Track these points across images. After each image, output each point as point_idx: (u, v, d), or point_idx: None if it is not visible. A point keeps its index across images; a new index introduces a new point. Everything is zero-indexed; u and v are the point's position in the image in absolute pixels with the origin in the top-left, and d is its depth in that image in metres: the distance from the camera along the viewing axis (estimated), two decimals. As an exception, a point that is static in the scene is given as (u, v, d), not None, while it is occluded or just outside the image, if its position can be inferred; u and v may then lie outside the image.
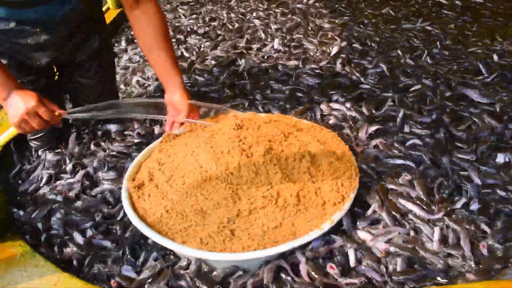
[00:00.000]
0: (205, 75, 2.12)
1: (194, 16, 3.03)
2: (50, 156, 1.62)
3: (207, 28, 2.74)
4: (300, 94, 1.86)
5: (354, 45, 2.26)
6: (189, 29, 2.76)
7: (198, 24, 2.83)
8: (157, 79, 2.09)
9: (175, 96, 1.46)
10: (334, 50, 2.21)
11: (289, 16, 2.80)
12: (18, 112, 1.33)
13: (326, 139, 1.38)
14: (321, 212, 1.13)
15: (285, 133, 1.29)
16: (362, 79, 1.93)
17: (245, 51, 2.33)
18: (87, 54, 1.68)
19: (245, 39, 2.48)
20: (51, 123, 1.39)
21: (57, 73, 1.75)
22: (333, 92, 1.83)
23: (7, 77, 1.35)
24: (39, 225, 1.31)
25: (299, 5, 2.98)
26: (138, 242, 1.22)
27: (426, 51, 2.13)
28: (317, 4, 2.99)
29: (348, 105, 1.71)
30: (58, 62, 1.65)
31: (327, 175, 1.20)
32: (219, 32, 2.67)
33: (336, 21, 2.63)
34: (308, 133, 1.37)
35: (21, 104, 1.32)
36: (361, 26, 2.54)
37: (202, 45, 2.50)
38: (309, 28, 2.56)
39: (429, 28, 2.46)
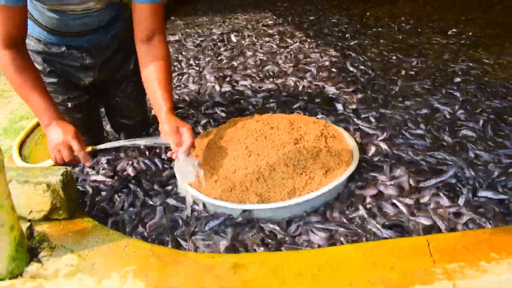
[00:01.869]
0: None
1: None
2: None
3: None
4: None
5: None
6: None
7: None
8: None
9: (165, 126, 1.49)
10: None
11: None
12: (55, 141, 1.46)
13: (302, 117, 1.84)
14: (347, 149, 1.64)
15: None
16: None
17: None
18: (123, 74, 1.90)
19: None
20: (79, 158, 1.48)
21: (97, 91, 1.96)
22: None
23: (52, 106, 1.50)
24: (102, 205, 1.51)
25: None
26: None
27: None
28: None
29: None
30: (99, 82, 1.87)
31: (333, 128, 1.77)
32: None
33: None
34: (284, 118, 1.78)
35: (60, 133, 1.45)
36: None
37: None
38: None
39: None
